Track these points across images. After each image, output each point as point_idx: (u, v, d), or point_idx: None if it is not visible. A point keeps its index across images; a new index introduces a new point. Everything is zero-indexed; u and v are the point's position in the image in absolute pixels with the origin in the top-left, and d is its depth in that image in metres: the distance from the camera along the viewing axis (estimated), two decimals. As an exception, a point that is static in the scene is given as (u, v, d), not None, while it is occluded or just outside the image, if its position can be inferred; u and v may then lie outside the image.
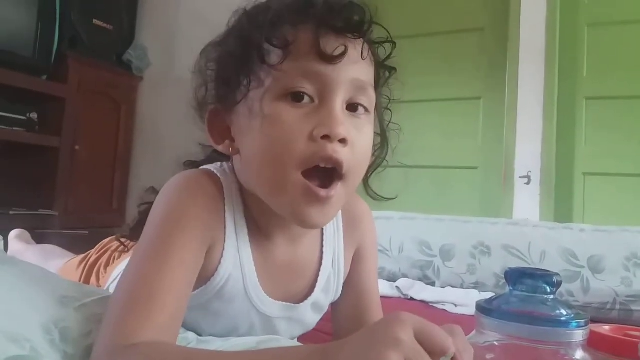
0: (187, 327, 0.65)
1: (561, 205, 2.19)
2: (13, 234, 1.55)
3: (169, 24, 3.09)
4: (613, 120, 2.16)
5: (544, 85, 2.23)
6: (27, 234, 1.57)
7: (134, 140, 3.11)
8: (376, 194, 0.68)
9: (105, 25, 2.89)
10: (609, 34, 2.20)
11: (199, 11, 2.98)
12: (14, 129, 2.48)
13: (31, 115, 2.55)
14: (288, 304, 0.67)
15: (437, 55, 2.45)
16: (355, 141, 0.56)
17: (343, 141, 0.54)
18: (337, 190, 0.56)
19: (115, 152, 3.01)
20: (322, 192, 0.55)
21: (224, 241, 0.61)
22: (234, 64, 0.58)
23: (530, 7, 2.27)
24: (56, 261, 1.29)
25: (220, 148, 0.62)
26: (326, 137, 0.54)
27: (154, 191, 0.64)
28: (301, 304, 0.68)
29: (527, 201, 2.20)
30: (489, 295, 1.05)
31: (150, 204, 0.62)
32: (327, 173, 0.55)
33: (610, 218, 1.87)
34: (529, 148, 2.23)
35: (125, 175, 3.05)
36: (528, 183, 2.21)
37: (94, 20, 2.83)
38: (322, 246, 0.69)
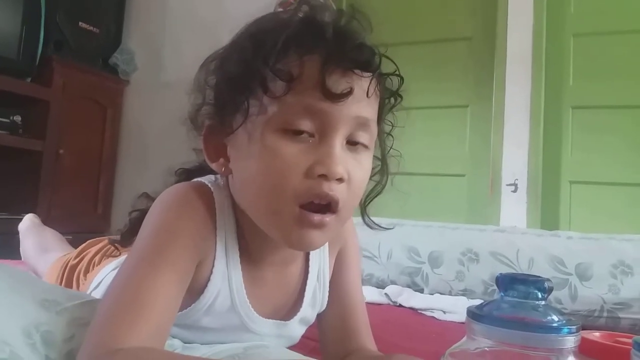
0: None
1: (548, 213, 2.20)
2: (28, 216, 1.54)
3: (156, 28, 3.08)
4: (598, 129, 2.18)
5: (530, 94, 2.25)
6: (37, 219, 1.55)
7: (119, 144, 3.09)
8: (374, 222, 0.68)
9: (91, 28, 2.86)
10: (594, 44, 2.22)
11: (186, 16, 2.97)
12: (-3, 131, 2.44)
13: (15, 118, 2.52)
14: (277, 321, 0.66)
15: (425, 63, 2.46)
16: (352, 176, 0.56)
17: (340, 180, 0.54)
18: (331, 219, 0.56)
19: (101, 156, 2.98)
20: (316, 217, 0.54)
21: (214, 258, 0.60)
22: (235, 88, 0.57)
23: (517, 17, 2.30)
24: (52, 254, 1.28)
25: (214, 166, 0.62)
26: (323, 176, 0.53)
27: (147, 197, 0.63)
28: (290, 320, 0.67)
29: (513, 209, 2.21)
30: (478, 302, 1.05)
31: (142, 210, 0.61)
32: (321, 206, 0.55)
33: (596, 226, 1.88)
34: (515, 156, 2.24)
35: (110, 180, 3.02)
36: (515, 191, 2.22)
37: (80, 23, 2.80)
38: (307, 260, 0.69)
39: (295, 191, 0.53)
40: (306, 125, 0.54)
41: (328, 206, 0.55)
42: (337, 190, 0.54)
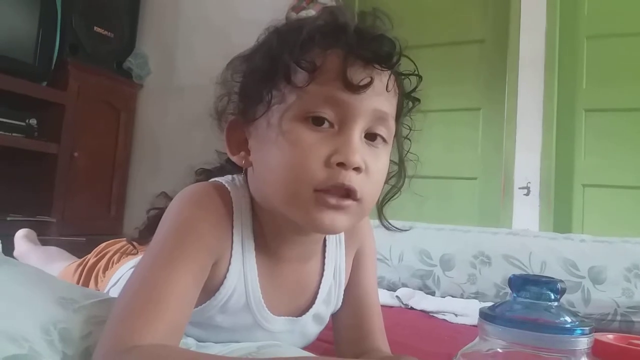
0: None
1: (560, 216, 2.19)
2: (20, 233, 1.55)
3: (170, 32, 3.10)
4: (612, 132, 2.16)
5: (543, 97, 2.24)
6: (33, 234, 1.57)
7: (132, 147, 3.12)
8: (390, 224, 0.68)
9: (106, 32, 2.90)
10: (608, 47, 2.21)
11: (199, 21, 2.99)
12: (13, 134, 2.48)
13: (30, 122, 2.55)
14: (290, 317, 0.67)
15: (438, 66, 2.45)
16: (370, 168, 0.57)
17: (357, 169, 0.55)
18: (351, 203, 0.56)
19: (114, 159, 3.00)
20: (333, 200, 0.55)
21: (230, 257, 0.61)
22: (259, 79, 0.59)
23: (530, 19, 2.29)
24: (59, 264, 1.29)
25: (234, 159, 0.63)
26: (341, 165, 0.54)
27: (165, 196, 0.65)
28: (302, 316, 0.68)
29: (526, 212, 2.20)
30: (489, 305, 1.05)
31: (160, 209, 0.62)
32: (341, 192, 0.55)
33: (609, 229, 1.86)
34: (528, 159, 2.23)
35: (123, 182, 3.04)
36: (527, 194, 2.21)
37: (95, 27, 2.84)
38: (323, 257, 0.70)
39: (314, 178, 0.54)
40: (326, 114, 0.55)
41: (347, 194, 0.55)
42: (354, 181, 0.55)
